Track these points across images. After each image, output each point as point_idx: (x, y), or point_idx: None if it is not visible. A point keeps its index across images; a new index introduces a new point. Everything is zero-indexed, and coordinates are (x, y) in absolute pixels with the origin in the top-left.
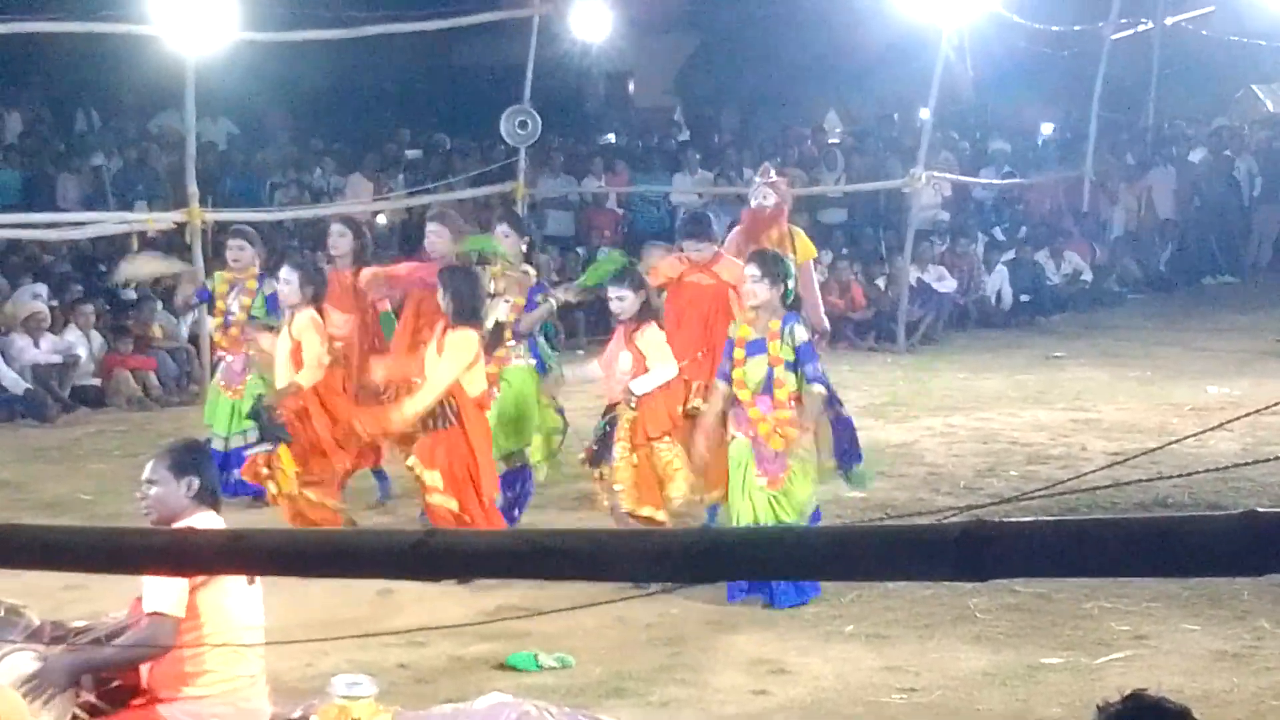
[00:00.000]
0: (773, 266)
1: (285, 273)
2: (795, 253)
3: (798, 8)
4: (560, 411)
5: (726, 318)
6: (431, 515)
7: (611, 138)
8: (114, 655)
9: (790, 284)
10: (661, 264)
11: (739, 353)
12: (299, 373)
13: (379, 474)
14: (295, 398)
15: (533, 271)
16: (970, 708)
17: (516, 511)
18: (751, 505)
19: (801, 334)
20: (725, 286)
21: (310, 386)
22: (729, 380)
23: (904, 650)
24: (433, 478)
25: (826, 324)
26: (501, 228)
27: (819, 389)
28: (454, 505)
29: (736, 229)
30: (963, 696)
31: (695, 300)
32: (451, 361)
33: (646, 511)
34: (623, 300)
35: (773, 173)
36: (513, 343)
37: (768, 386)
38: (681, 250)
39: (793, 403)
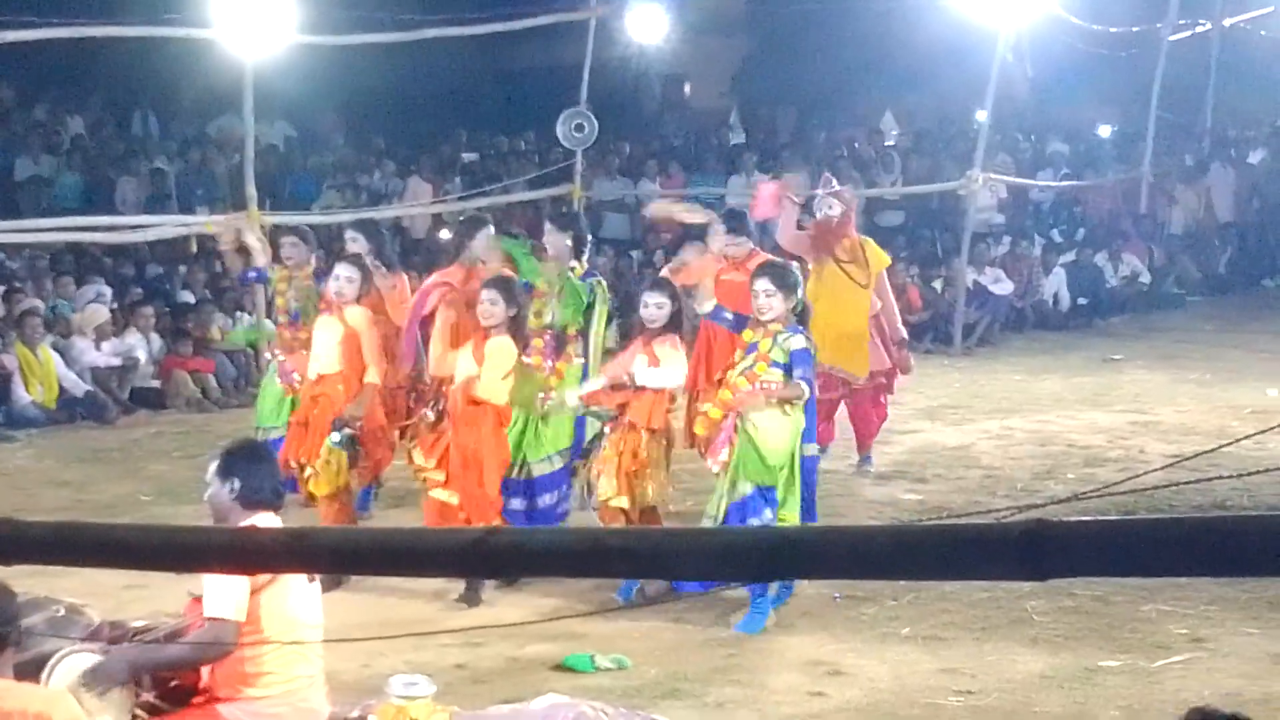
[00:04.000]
0: (785, 279)
1: (346, 269)
2: (869, 263)
3: (854, 9)
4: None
5: None
6: (429, 510)
7: (668, 140)
8: (174, 655)
9: (800, 294)
10: (697, 263)
11: (738, 354)
12: (368, 372)
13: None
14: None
15: (579, 266)
16: (1027, 710)
17: (561, 509)
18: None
19: (798, 342)
20: None
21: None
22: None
23: (960, 652)
24: (431, 470)
25: (904, 332)
26: (547, 225)
27: (805, 387)
28: (453, 499)
29: (803, 236)
30: (1020, 699)
31: (730, 297)
32: (500, 368)
33: (615, 501)
34: (660, 308)
35: (835, 182)
36: (579, 343)
37: (743, 372)
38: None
39: (763, 384)
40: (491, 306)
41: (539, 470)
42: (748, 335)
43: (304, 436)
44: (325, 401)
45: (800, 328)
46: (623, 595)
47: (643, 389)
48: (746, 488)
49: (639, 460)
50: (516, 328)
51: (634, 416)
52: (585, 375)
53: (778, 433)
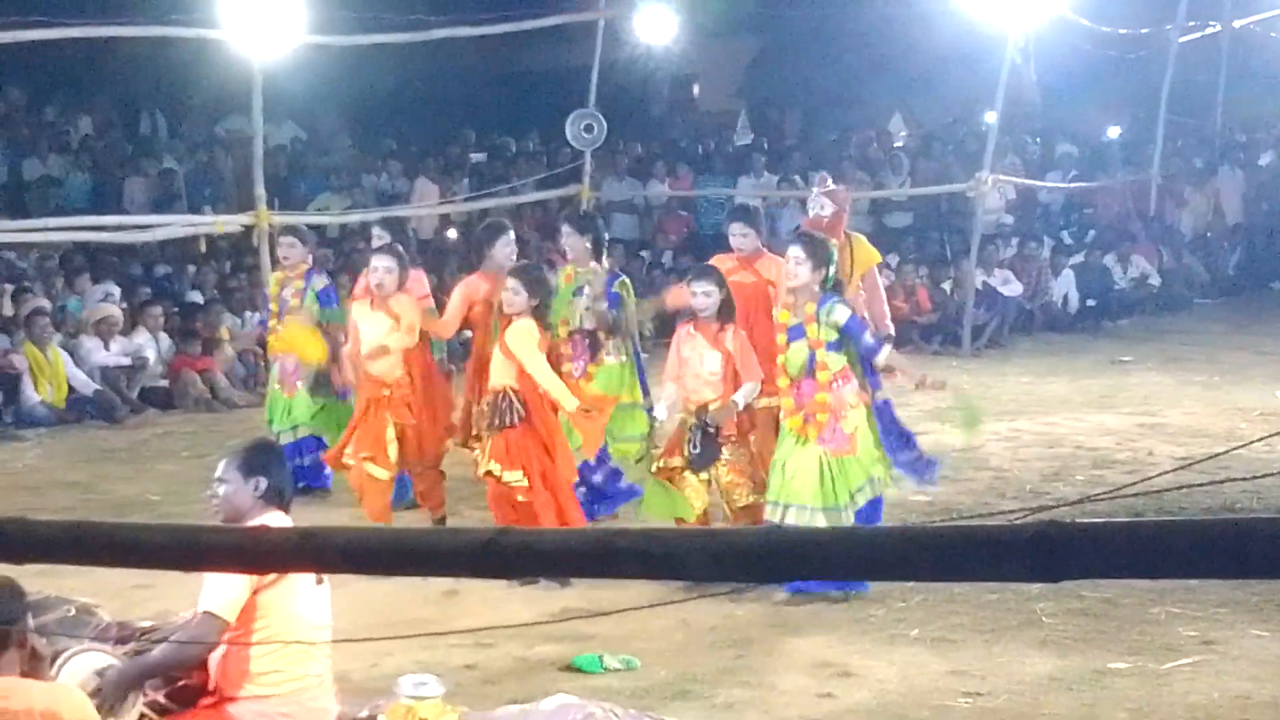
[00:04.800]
0: (817, 250)
1: (384, 260)
2: (853, 261)
3: (862, 11)
4: (650, 411)
5: (766, 316)
6: (515, 515)
7: (676, 141)
8: (160, 658)
9: (832, 270)
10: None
11: (780, 338)
12: (393, 336)
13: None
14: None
15: (601, 267)
16: (1036, 713)
17: (596, 508)
18: (806, 461)
19: (842, 312)
20: (765, 284)
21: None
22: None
23: (969, 654)
24: (515, 477)
25: (892, 329)
26: (564, 227)
27: (883, 356)
28: (548, 504)
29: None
30: (1029, 701)
31: (736, 298)
32: (529, 349)
33: (756, 499)
34: (709, 296)
35: (830, 182)
36: (614, 340)
37: (810, 370)
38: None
39: (837, 383)
40: (514, 296)
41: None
42: (783, 316)
43: (367, 433)
44: (391, 396)
45: (834, 295)
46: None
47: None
48: (861, 489)
49: (763, 460)
50: (539, 317)
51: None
52: (640, 374)
53: (863, 430)
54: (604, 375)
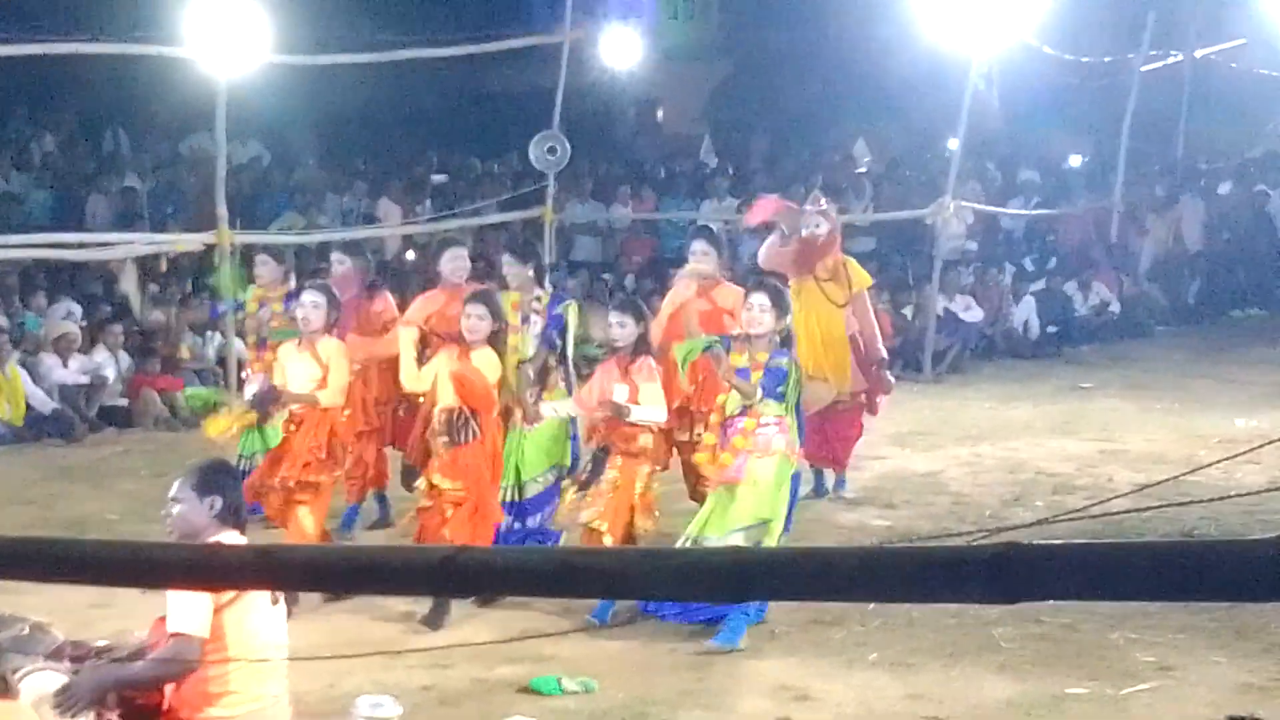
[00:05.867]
0: (780, 299)
1: (311, 295)
2: (850, 282)
3: (827, 37)
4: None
5: None
6: (438, 523)
7: (640, 164)
8: (139, 673)
9: (788, 320)
10: (671, 295)
11: (729, 378)
12: (321, 391)
13: (380, 497)
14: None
15: (544, 294)
16: None
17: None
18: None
19: (782, 361)
20: (721, 312)
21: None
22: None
23: (928, 678)
24: (454, 486)
25: (884, 352)
26: (505, 256)
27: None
28: (467, 510)
29: (785, 251)
30: None
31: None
32: (490, 378)
33: (600, 526)
34: (624, 328)
35: (823, 201)
36: (559, 368)
37: (743, 411)
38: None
39: (767, 429)
40: (479, 322)
41: (531, 490)
42: (735, 359)
43: (279, 464)
44: (306, 429)
45: (786, 350)
46: (598, 617)
47: (635, 424)
48: (744, 521)
49: (644, 498)
50: (498, 341)
51: (637, 449)
52: (574, 440)
53: (778, 477)
54: (540, 433)
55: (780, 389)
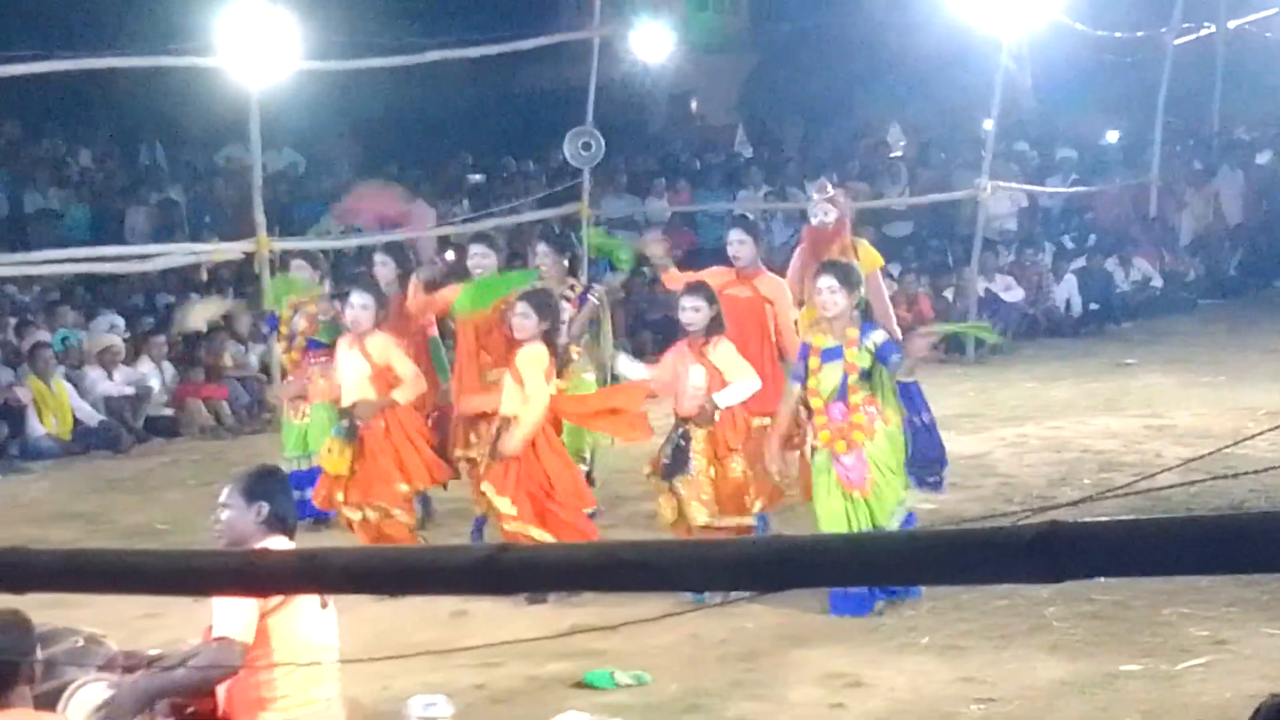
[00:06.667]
0: (848, 276)
1: (360, 297)
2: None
3: (856, 21)
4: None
5: (761, 333)
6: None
7: (675, 156)
8: (180, 680)
9: (861, 291)
10: (706, 272)
11: (814, 360)
12: (397, 390)
13: (423, 497)
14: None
15: (577, 283)
16: (1048, 717)
17: None
18: (835, 509)
19: (880, 336)
20: (762, 301)
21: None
22: (802, 383)
23: (979, 661)
24: (504, 504)
25: (899, 334)
26: (540, 246)
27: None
28: (532, 531)
29: (799, 248)
30: (1041, 706)
31: (731, 313)
32: (536, 376)
33: (733, 521)
34: (698, 311)
35: (830, 188)
36: (578, 358)
37: (841, 393)
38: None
39: (867, 409)
40: (524, 320)
41: None
42: (819, 340)
43: (355, 480)
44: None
45: (874, 324)
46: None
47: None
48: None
49: (738, 482)
50: (549, 340)
51: (729, 440)
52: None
53: (894, 449)
54: (578, 389)
55: (896, 357)
